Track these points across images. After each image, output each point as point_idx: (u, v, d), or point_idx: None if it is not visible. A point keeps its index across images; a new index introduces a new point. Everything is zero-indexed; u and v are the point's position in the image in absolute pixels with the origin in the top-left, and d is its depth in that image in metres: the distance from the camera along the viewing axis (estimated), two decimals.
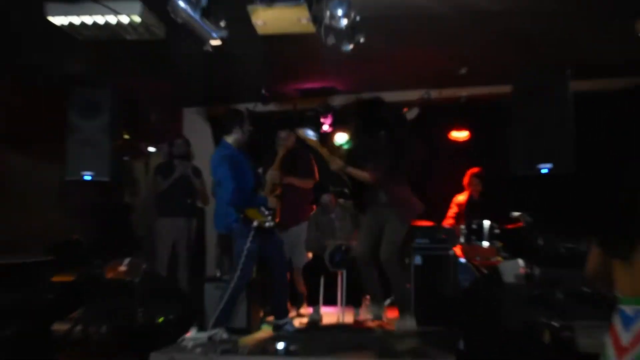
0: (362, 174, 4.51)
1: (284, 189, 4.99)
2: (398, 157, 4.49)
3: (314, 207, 5.53)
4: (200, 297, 4.85)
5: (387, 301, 5.00)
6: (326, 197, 5.29)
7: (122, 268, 4.63)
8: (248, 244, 4.30)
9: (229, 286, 4.31)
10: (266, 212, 4.42)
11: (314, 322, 5.02)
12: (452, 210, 5.98)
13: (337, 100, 6.68)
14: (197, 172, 5.96)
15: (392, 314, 4.87)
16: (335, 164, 4.47)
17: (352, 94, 6.56)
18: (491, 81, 5.95)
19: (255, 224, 4.33)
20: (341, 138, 6.46)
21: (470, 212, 5.79)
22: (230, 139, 4.50)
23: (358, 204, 4.77)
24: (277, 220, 4.54)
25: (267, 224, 4.38)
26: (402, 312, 4.55)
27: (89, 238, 5.06)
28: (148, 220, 5.70)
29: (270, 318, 4.87)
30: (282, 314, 4.70)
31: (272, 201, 4.51)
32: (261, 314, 5.24)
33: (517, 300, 4.08)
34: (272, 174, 4.76)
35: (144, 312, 4.46)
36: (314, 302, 5.19)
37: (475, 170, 5.92)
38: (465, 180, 5.93)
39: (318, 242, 5.30)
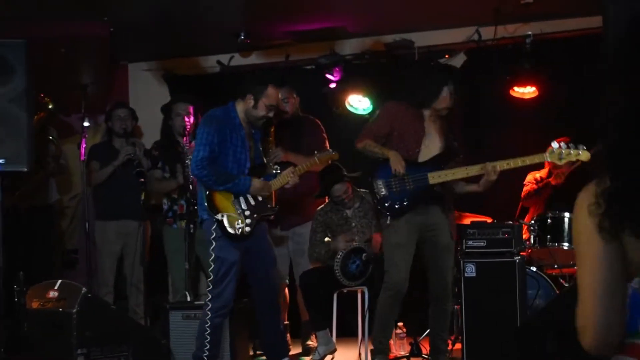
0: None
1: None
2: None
3: (326, 199, 5.47)
4: (164, 331, 4.84)
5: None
6: (340, 188, 5.21)
7: (52, 294, 4.63)
8: (217, 250, 4.33)
9: (206, 311, 4.33)
10: (246, 212, 4.40)
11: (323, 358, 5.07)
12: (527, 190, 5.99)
13: (349, 47, 6.61)
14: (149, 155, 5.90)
15: None
16: None
17: (369, 37, 6.54)
18: (571, 12, 5.84)
19: (220, 217, 4.31)
20: (358, 102, 6.39)
21: (549, 200, 5.73)
22: (240, 106, 4.51)
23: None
24: (272, 217, 4.54)
25: (238, 227, 4.36)
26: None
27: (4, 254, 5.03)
28: (86, 225, 5.68)
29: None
30: (279, 353, 4.68)
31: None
32: (250, 352, 5.23)
33: None
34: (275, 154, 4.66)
35: (85, 355, 4.42)
36: (320, 327, 5.19)
37: (565, 141, 5.89)
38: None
39: (327, 250, 5.26)
